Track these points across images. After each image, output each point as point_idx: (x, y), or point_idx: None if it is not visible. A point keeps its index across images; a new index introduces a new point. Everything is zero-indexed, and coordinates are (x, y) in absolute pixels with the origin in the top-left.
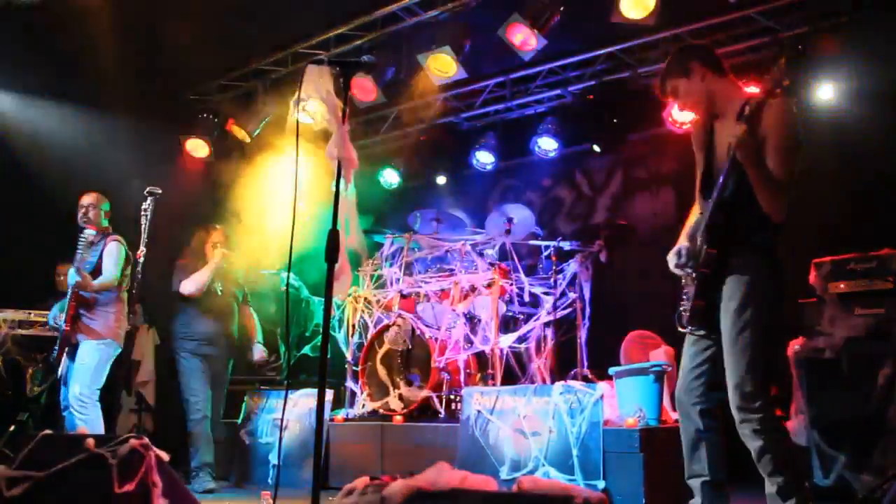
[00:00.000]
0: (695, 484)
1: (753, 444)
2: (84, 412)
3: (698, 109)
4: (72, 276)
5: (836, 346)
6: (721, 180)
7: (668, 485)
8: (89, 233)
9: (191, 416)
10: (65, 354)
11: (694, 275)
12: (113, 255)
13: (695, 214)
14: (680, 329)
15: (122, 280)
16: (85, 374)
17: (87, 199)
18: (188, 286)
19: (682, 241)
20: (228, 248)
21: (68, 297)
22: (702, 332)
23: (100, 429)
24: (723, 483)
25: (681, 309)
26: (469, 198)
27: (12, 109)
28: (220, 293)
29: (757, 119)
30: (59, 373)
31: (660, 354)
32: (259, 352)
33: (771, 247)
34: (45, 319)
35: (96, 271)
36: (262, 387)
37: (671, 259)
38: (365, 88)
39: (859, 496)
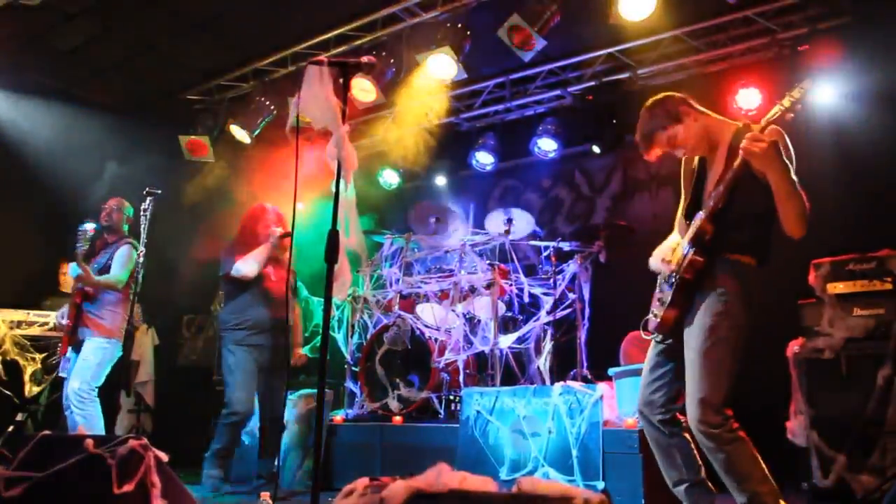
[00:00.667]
0: (679, 491)
1: (717, 457)
2: (82, 408)
3: (699, 149)
4: (73, 269)
5: (836, 347)
6: (721, 189)
7: (667, 485)
8: (89, 225)
9: (226, 410)
10: (69, 352)
11: (673, 279)
12: (122, 257)
13: (672, 239)
14: (644, 335)
15: (130, 282)
16: (87, 370)
17: (112, 203)
18: (244, 267)
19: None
20: (284, 228)
21: (71, 291)
22: (668, 342)
23: (99, 425)
24: (703, 480)
25: (652, 313)
26: (469, 198)
27: (13, 109)
28: (273, 279)
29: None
30: (60, 370)
31: None
32: (299, 355)
33: (751, 265)
34: (44, 320)
35: (104, 272)
36: None
37: (656, 258)
38: (365, 89)
39: (858, 497)
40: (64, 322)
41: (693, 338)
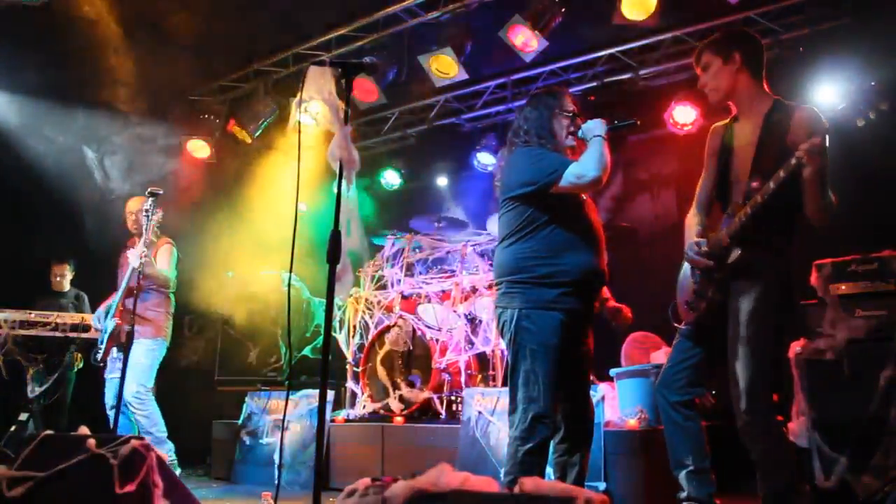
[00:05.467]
0: (680, 474)
1: (757, 447)
2: (143, 408)
3: (714, 96)
4: (136, 259)
5: (838, 348)
6: (772, 186)
7: (668, 486)
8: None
9: (517, 431)
10: (112, 353)
11: (714, 274)
12: (167, 255)
13: (694, 218)
14: (675, 324)
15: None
16: (142, 372)
17: (135, 205)
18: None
19: (696, 238)
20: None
21: (125, 283)
22: (698, 331)
23: (161, 423)
24: (707, 470)
25: (687, 304)
26: (470, 199)
27: (13, 110)
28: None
29: (787, 125)
30: (108, 373)
31: (660, 356)
32: None
33: (788, 251)
34: (46, 320)
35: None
36: (262, 387)
37: (692, 249)
38: (366, 90)
39: (861, 498)
40: (105, 324)
41: (735, 325)
